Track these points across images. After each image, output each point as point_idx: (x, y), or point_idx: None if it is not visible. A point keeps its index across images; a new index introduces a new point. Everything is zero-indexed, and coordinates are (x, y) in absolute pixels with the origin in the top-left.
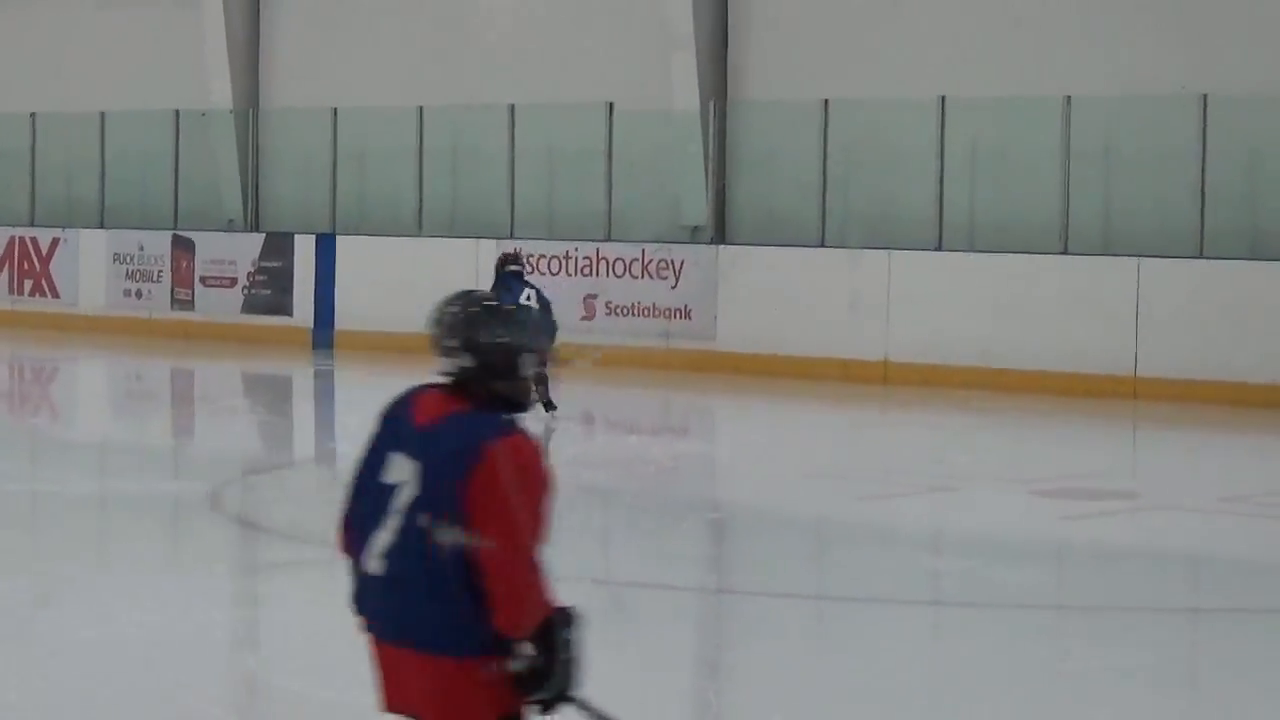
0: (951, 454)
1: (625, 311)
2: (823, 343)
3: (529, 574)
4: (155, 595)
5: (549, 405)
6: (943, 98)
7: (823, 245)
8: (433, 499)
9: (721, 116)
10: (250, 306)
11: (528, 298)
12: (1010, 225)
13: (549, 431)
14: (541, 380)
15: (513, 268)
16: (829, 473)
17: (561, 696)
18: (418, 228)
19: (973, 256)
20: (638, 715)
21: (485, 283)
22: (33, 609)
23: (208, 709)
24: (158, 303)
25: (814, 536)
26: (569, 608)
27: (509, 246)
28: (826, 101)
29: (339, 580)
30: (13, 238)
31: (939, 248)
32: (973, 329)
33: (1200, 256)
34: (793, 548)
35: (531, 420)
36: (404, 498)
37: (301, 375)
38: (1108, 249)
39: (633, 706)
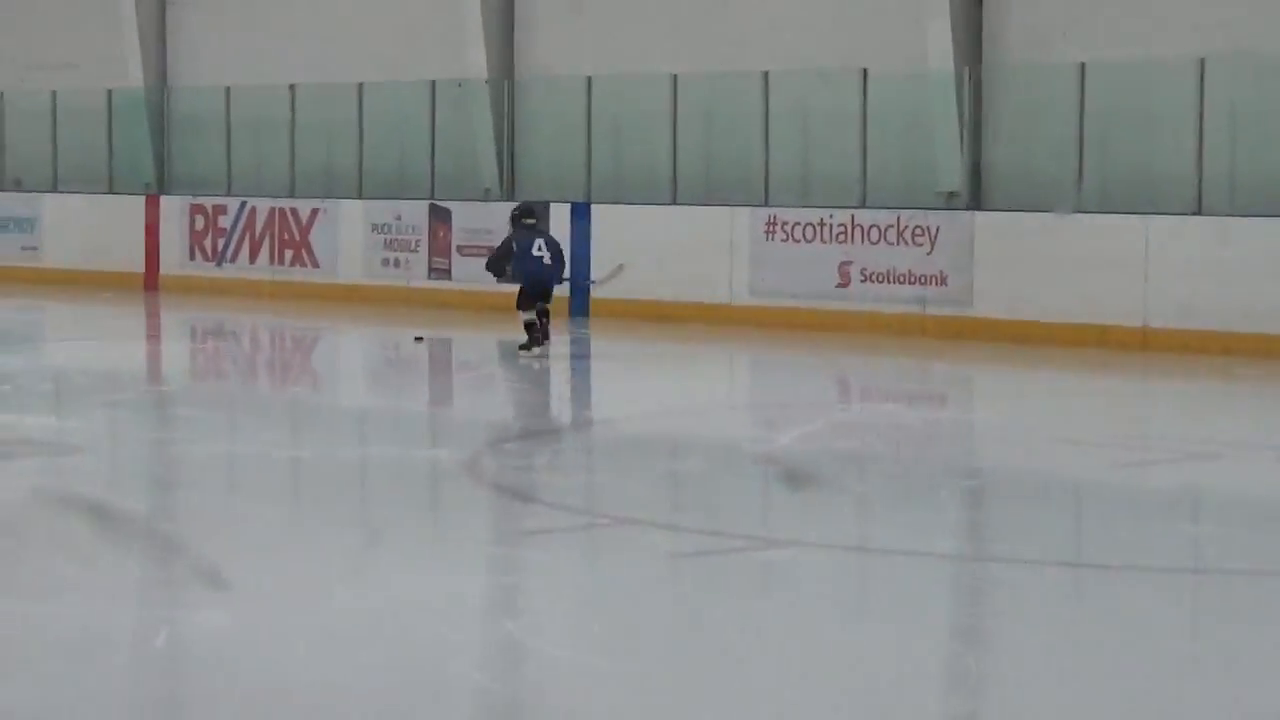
0: (1211, 420)
1: (880, 278)
2: (1080, 308)
3: None
4: (416, 562)
5: (545, 338)
6: (1201, 59)
7: (1079, 210)
8: None
9: (976, 81)
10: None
11: (539, 248)
12: (1272, 187)
13: (541, 361)
14: (544, 314)
15: (527, 220)
16: (1087, 439)
17: None
18: (672, 195)
19: (1233, 220)
20: (895, 683)
21: (741, 252)
22: (297, 577)
23: (471, 674)
24: (415, 272)
25: (1071, 503)
26: None
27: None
28: (1083, 65)
29: (597, 548)
30: (273, 209)
31: (1198, 211)
32: (1233, 293)
33: None
34: (1050, 515)
35: (528, 354)
36: None
37: (558, 343)
38: None
39: (890, 675)
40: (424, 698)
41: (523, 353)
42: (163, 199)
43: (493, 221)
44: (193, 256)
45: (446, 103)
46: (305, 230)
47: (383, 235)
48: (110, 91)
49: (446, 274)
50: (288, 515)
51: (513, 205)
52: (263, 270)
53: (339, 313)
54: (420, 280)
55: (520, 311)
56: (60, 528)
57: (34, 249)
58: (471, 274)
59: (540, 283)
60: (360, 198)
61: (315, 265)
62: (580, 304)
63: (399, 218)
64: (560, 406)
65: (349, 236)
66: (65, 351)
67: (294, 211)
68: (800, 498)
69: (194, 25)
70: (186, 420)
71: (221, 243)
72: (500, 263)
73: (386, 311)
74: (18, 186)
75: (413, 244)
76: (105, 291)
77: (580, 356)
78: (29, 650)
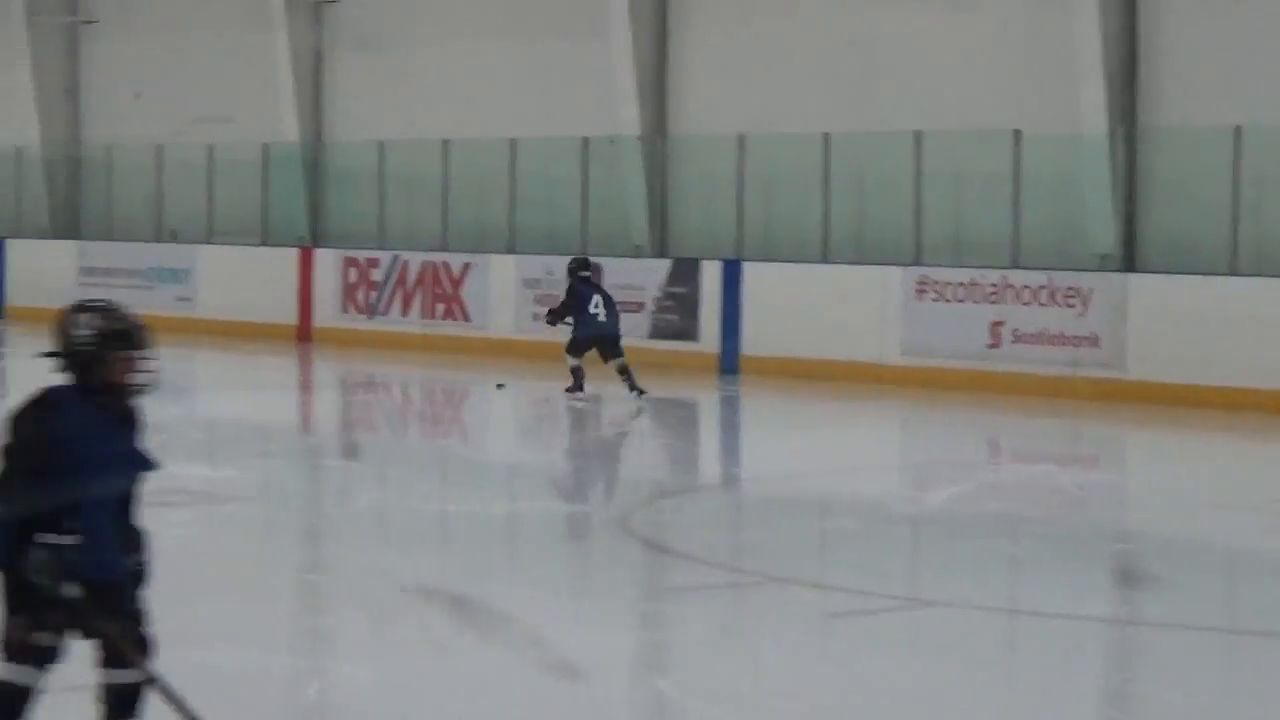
0: None
1: (1032, 339)
2: (1233, 372)
3: None
4: (565, 617)
5: (635, 390)
6: None
7: (1234, 273)
8: None
9: (1130, 142)
10: (657, 331)
11: (596, 304)
12: None
13: (638, 412)
14: (624, 370)
15: (583, 274)
16: (1240, 504)
17: None
18: (823, 254)
19: None
20: None
21: (892, 311)
22: (445, 629)
23: None
24: (565, 327)
25: (1224, 568)
26: None
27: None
28: (1238, 128)
29: (747, 605)
30: (425, 263)
31: None
32: None
33: None
34: (1203, 579)
35: (622, 403)
36: None
37: (707, 400)
38: None
39: None
40: None
41: (568, 395)
42: (316, 252)
43: (644, 278)
44: (345, 309)
45: (599, 159)
46: (457, 284)
47: (533, 290)
48: (266, 145)
49: None
50: (437, 568)
51: (668, 262)
52: (414, 323)
53: (489, 366)
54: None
55: (569, 356)
56: (213, 576)
57: (188, 300)
58: (623, 329)
59: (596, 339)
60: (512, 252)
61: (466, 319)
62: (730, 361)
63: (550, 272)
64: (710, 463)
65: (500, 290)
66: (219, 402)
67: (445, 265)
68: (951, 558)
69: (349, 80)
70: (337, 471)
71: (374, 296)
72: (561, 313)
73: (537, 367)
74: (173, 238)
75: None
76: (258, 343)
77: (730, 414)
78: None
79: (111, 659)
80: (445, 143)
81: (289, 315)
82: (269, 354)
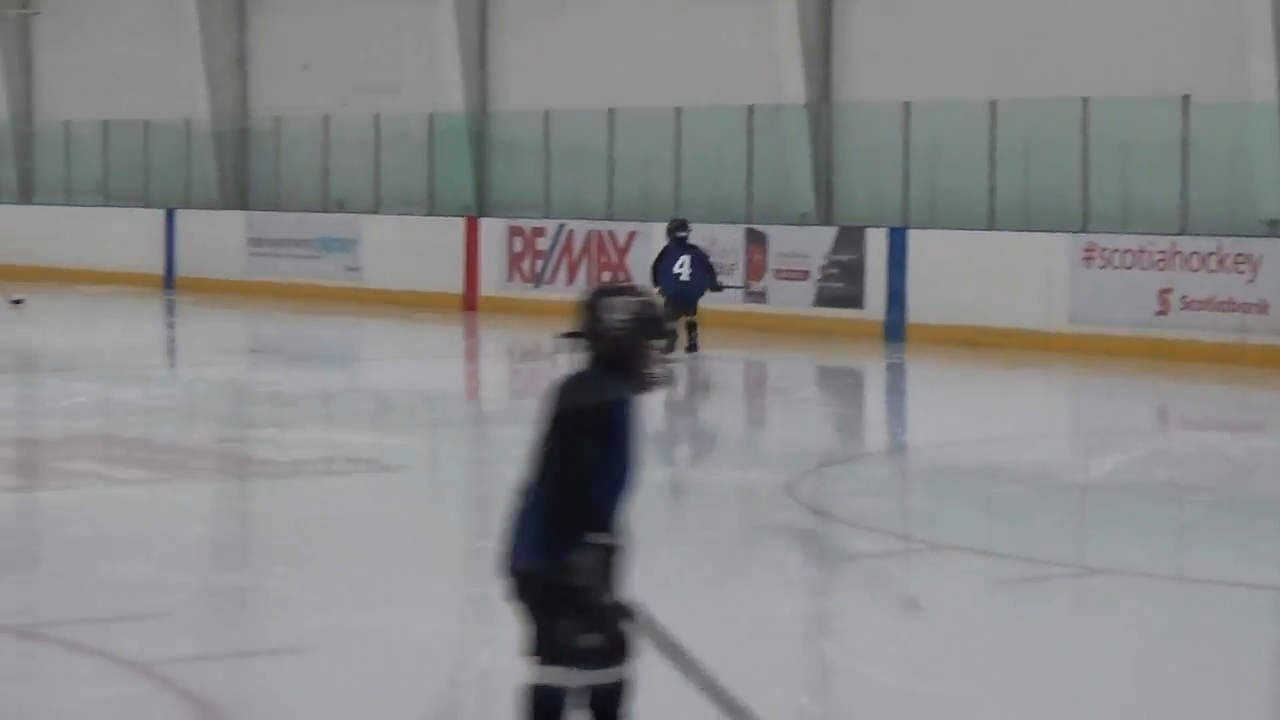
0: None
1: (1200, 306)
2: None
3: None
4: (730, 584)
5: (693, 348)
6: None
7: None
8: None
9: None
10: (822, 299)
11: (680, 264)
12: None
13: (697, 371)
14: (691, 326)
15: (679, 234)
16: None
17: None
18: (989, 221)
19: None
20: (1212, 714)
21: (1060, 279)
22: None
23: (793, 696)
24: (732, 295)
25: None
26: None
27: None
28: None
29: (915, 573)
30: (590, 232)
31: None
32: None
33: None
34: None
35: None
36: None
37: (873, 368)
38: None
39: (1205, 705)
40: None
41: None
42: (482, 221)
43: (809, 246)
44: (510, 278)
45: (764, 127)
46: (622, 253)
47: None
48: (431, 115)
49: (762, 297)
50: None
51: (833, 230)
52: (579, 292)
53: None
54: (737, 303)
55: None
56: (382, 544)
57: (355, 270)
58: (787, 297)
59: (675, 297)
60: None
61: None
62: (895, 329)
63: (715, 241)
64: (876, 431)
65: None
66: (386, 371)
67: (611, 234)
68: (1120, 526)
69: (514, 50)
70: (504, 440)
71: (539, 265)
72: (655, 272)
73: (707, 334)
74: (340, 209)
75: (729, 267)
76: (424, 313)
77: (896, 381)
78: (361, 662)
79: (609, 658)
80: (611, 111)
81: (455, 285)
82: (435, 323)
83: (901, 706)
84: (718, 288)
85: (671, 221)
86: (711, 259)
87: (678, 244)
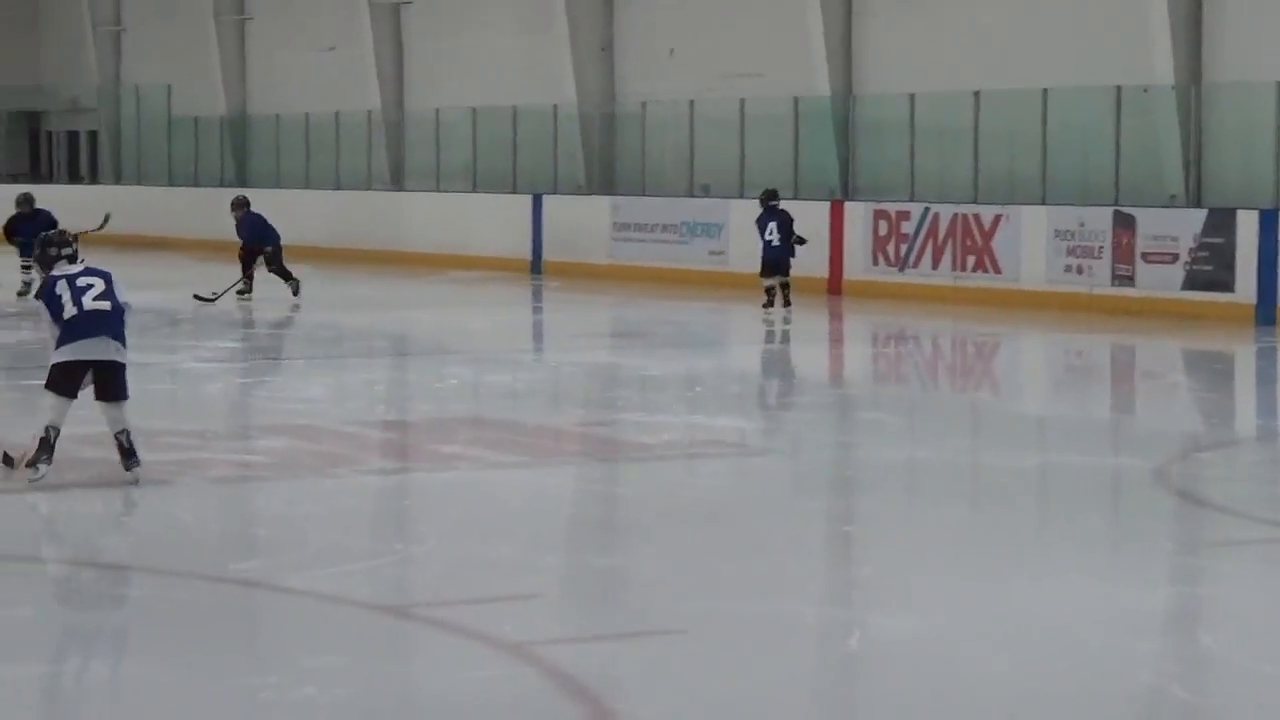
0: None
1: None
2: None
3: None
4: (1100, 570)
5: (786, 304)
6: None
7: None
8: None
9: None
10: (1191, 283)
11: (770, 231)
12: None
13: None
14: (784, 285)
15: (770, 203)
16: None
17: None
18: None
19: None
20: None
21: None
22: (978, 583)
23: (1166, 685)
24: (1098, 279)
25: None
26: None
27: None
28: None
29: None
30: (956, 215)
31: None
32: None
33: None
34: None
35: (769, 318)
36: None
37: (1244, 352)
38: None
39: None
40: (1121, 710)
41: (763, 310)
42: (846, 205)
43: (1178, 228)
44: (875, 262)
45: (1132, 108)
46: (987, 236)
47: (1065, 242)
48: (796, 99)
49: (1130, 280)
50: (968, 521)
51: (1203, 212)
52: (944, 276)
53: (1019, 319)
54: (1103, 287)
55: (761, 278)
56: (747, 527)
57: (721, 254)
58: (1156, 280)
59: (768, 260)
60: (1043, 204)
61: (997, 271)
62: (1268, 312)
63: (1082, 224)
64: (1247, 416)
65: (1031, 243)
66: (751, 355)
67: (976, 218)
68: None
69: (879, 33)
70: (869, 424)
71: (904, 248)
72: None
73: (1068, 318)
74: (705, 193)
75: (1096, 250)
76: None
77: (1268, 366)
78: (734, 644)
79: None
80: (976, 94)
81: (820, 268)
82: (799, 307)
83: None
84: (796, 245)
85: (763, 191)
86: (793, 221)
87: (767, 212)
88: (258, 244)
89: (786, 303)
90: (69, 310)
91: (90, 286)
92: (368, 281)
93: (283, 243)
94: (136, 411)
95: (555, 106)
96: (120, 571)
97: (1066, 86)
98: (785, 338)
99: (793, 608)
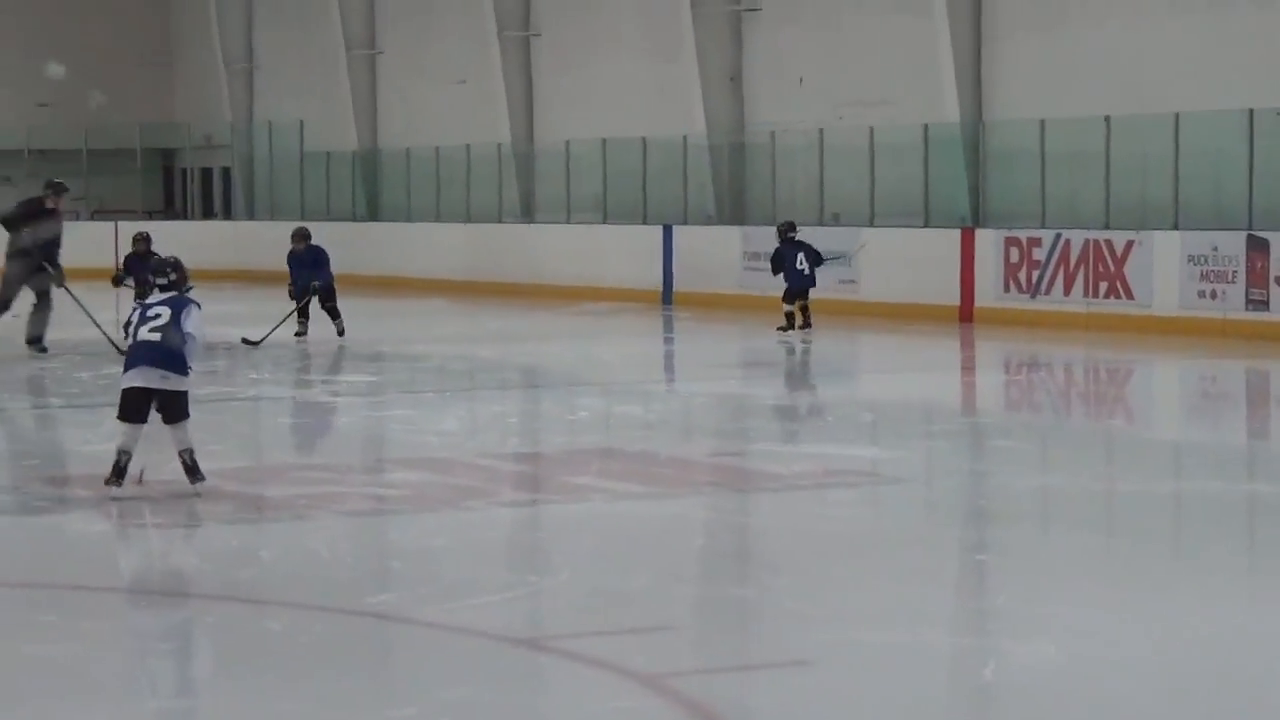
0: None
1: None
2: None
3: None
4: (1239, 598)
5: (806, 325)
6: None
7: None
8: None
9: None
10: None
11: (800, 261)
12: None
13: (805, 347)
14: (804, 309)
15: (790, 235)
16: None
17: None
18: None
19: None
20: None
21: None
22: (1116, 611)
23: None
24: (1232, 304)
25: None
26: None
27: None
28: None
29: None
30: (1088, 240)
31: None
32: None
33: None
34: None
35: (782, 335)
36: None
37: None
38: None
39: None
40: None
41: (779, 333)
42: (977, 232)
43: None
44: (1007, 289)
45: (1265, 131)
46: (1120, 262)
47: (1199, 266)
48: (926, 126)
49: (1264, 305)
50: (1103, 549)
51: None
52: (1076, 302)
53: (1152, 345)
54: (1237, 312)
55: (784, 303)
56: (880, 557)
57: (852, 283)
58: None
59: (795, 289)
60: (1176, 229)
61: (1130, 297)
62: None
63: (1215, 249)
64: None
65: (1164, 268)
66: (882, 383)
67: (1109, 243)
68: None
69: (1009, 59)
70: (1001, 452)
71: (1036, 275)
72: (775, 268)
73: (1201, 343)
74: (835, 221)
75: (1229, 275)
76: (920, 324)
77: None
78: (869, 675)
79: None
80: (1107, 119)
81: (951, 296)
82: (931, 335)
83: None
84: (821, 261)
85: (781, 224)
86: (815, 246)
87: (788, 244)
88: (308, 279)
89: (807, 324)
90: (130, 339)
91: (156, 316)
92: (499, 314)
93: (413, 275)
94: (271, 445)
95: (685, 137)
96: (257, 605)
97: (1198, 110)
98: (917, 366)
99: (926, 637)
